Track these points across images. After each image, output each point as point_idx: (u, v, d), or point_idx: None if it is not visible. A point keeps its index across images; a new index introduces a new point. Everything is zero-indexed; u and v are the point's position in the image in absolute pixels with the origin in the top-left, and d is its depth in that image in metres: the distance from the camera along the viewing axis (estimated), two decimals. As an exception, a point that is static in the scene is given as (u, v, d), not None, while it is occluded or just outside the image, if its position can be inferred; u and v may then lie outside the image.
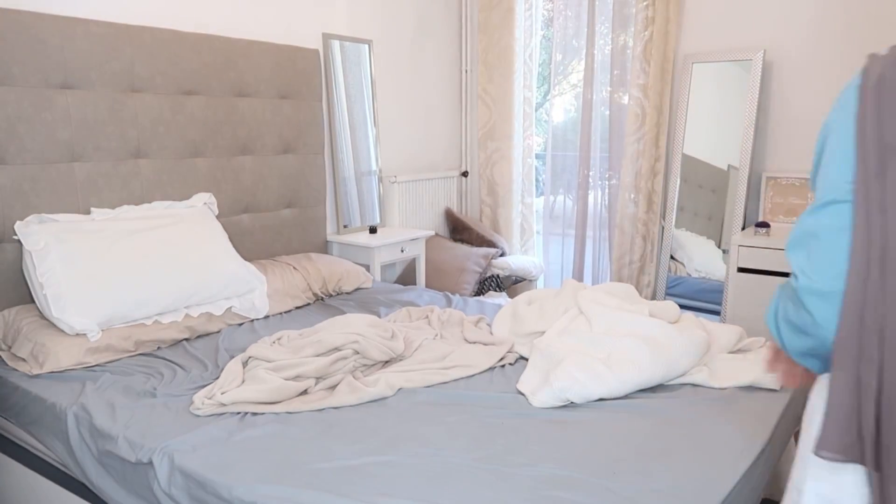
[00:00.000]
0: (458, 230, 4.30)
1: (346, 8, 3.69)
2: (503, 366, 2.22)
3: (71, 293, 2.20)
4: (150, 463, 1.63)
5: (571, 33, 4.15)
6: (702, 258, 3.81)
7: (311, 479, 1.50)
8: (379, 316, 2.69)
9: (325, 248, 3.59)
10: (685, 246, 3.83)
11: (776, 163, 3.56)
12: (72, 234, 2.32)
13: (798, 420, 2.15)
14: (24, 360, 2.16)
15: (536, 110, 4.44)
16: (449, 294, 3.06)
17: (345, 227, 3.71)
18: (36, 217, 2.34)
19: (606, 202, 4.15)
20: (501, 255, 4.16)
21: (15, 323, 2.26)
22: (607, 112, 4.06)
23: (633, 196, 3.87)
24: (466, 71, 4.51)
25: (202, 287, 2.49)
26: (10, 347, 2.24)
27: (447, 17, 4.39)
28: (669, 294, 3.88)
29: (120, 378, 2.05)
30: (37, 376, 2.09)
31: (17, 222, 2.32)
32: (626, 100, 3.92)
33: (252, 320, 2.66)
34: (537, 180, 4.52)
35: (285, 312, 2.81)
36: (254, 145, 3.16)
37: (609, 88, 4.02)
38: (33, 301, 2.36)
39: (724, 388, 2.00)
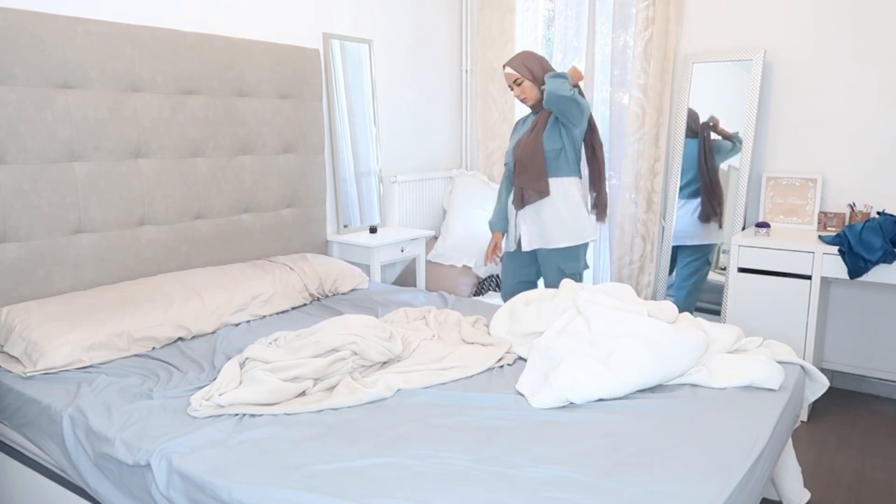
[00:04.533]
0: (458, 230, 4.30)
1: (346, 8, 3.69)
2: (502, 366, 2.22)
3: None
4: (148, 465, 1.63)
5: (572, 33, 4.14)
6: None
7: (310, 482, 1.49)
8: (376, 317, 2.68)
9: (325, 247, 3.59)
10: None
11: (776, 163, 3.56)
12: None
13: (797, 420, 2.16)
14: (17, 359, 2.16)
15: (537, 110, 4.44)
16: (445, 294, 3.06)
17: (345, 226, 3.71)
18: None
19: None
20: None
21: (8, 322, 2.25)
22: (607, 112, 4.05)
23: (633, 196, 3.87)
24: (466, 71, 4.51)
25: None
26: (2, 346, 2.24)
27: (447, 16, 4.39)
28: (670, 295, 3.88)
29: (115, 380, 2.04)
30: (31, 378, 2.09)
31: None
32: (626, 100, 3.92)
33: (248, 321, 2.66)
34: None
35: (282, 313, 2.81)
36: (254, 145, 3.16)
37: (609, 88, 4.02)
38: (27, 300, 2.38)
39: (723, 388, 2.00)
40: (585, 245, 3.10)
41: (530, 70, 3.01)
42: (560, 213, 3.00)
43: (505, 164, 3.18)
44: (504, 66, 3.05)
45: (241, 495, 1.47)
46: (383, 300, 2.96)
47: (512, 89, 3.08)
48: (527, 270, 3.19)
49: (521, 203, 3.03)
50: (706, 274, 3.80)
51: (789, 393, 2.01)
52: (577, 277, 3.05)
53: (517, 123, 3.24)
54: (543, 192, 2.98)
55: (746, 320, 3.16)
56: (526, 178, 2.99)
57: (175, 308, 2.46)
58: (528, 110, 3.19)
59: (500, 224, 3.21)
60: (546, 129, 2.98)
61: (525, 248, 3.07)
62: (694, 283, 3.81)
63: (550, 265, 3.07)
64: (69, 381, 2.05)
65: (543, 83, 2.98)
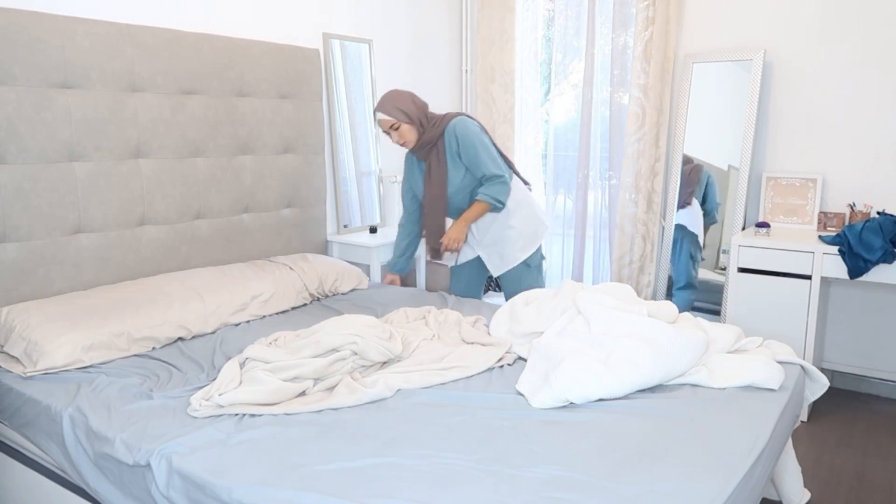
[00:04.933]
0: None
1: (346, 8, 3.69)
2: (502, 366, 2.22)
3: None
4: (148, 465, 1.63)
5: (572, 33, 4.15)
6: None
7: (310, 482, 1.49)
8: (376, 317, 2.68)
9: (325, 247, 3.59)
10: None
11: (776, 163, 3.56)
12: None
13: (797, 420, 2.16)
14: (17, 359, 2.16)
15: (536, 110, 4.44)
16: (445, 294, 3.06)
17: (345, 226, 3.71)
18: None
19: (606, 202, 4.15)
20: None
21: (8, 322, 2.25)
22: (607, 112, 4.05)
23: (633, 196, 3.87)
24: (466, 71, 4.51)
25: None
26: (2, 346, 2.24)
27: (447, 16, 4.39)
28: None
29: (115, 380, 2.04)
30: (31, 378, 2.09)
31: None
32: (626, 100, 3.92)
33: (248, 321, 2.66)
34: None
35: (282, 313, 2.81)
36: (254, 145, 3.16)
37: (609, 88, 4.02)
38: (27, 300, 2.38)
39: (723, 388, 2.00)
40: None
41: (405, 112, 2.77)
42: (508, 233, 2.94)
43: (405, 207, 3.08)
44: (375, 112, 2.81)
45: (241, 495, 1.47)
46: (383, 300, 2.96)
47: (389, 135, 2.83)
48: (478, 279, 3.20)
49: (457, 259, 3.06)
50: (696, 259, 3.81)
51: (789, 393, 2.01)
52: (539, 269, 3.07)
53: (407, 158, 3.01)
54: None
55: (746, 320, 3.16)
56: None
57: (175, 308, 2.46)
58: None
59: (397, 266, 3.16)
60: (449, 172, 2.84)
61: (495, 274, 3.06)
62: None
63: (513, 269, 3.01)
64: (69, 381, 2.05)
65: (421, 123, 2.80)
